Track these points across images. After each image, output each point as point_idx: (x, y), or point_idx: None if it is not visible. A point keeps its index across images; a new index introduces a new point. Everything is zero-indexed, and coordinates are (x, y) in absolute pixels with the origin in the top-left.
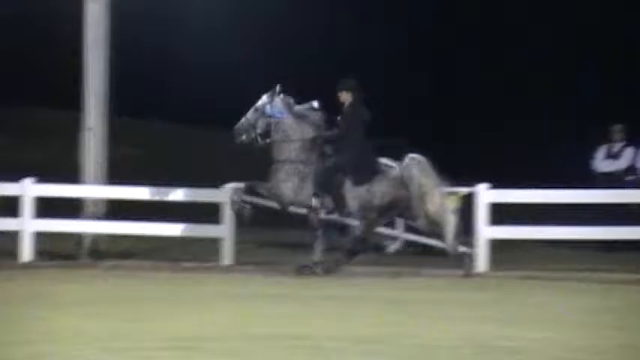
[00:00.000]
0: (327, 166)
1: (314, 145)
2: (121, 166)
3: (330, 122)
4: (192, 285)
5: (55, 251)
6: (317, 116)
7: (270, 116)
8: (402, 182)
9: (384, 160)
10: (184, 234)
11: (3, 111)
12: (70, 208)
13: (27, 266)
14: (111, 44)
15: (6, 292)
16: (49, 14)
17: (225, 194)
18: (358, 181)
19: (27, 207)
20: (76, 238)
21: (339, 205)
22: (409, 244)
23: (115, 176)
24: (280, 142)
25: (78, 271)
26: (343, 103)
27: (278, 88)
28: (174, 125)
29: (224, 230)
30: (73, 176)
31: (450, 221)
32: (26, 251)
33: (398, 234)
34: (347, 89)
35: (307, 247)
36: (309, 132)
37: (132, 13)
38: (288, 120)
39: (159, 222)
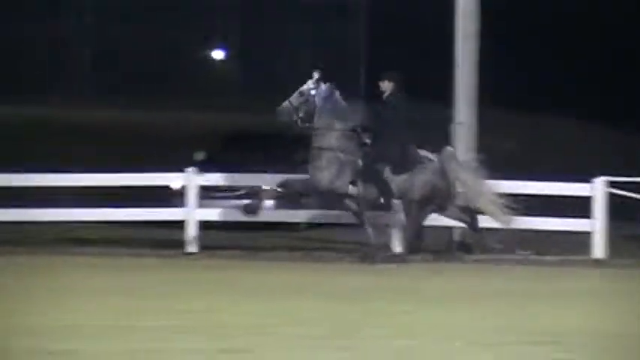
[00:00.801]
0: (367, 155)
1: (354, 133)
2: (492, 159)
3: (370, 111)
4: (559, 280)
5: (425, 246)
6: (356, 105)
7: (313, 101)
8: (442, 172)
9: (422, 152)
10: (552, 227)
11: None
12: None
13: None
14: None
15: (375, 285)
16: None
17: (594, 188)
18: (398, 171)
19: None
20: (445, 232)
21: (382, 194)
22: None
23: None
24: (322, 128)
25: (446, 265)
26: (384, 92)
27: (319, 74)
28: (541, 117)
29: (595, 224)
30: None
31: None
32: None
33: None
34: (389, 79)
35: None
36: (350, 120)
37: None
38: (330, 107)
39: (533, 216)
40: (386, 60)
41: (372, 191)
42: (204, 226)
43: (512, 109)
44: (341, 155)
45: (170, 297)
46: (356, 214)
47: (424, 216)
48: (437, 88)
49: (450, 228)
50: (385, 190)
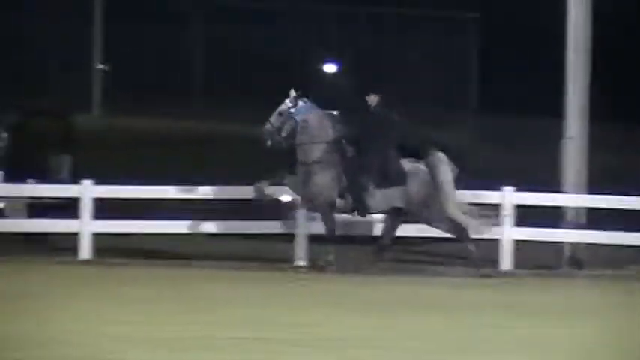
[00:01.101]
0: (352, 167)
1: (338, 145)
2: (601, 174)
3: (355, 123)
4: None
5: (535, 260)
6: (338, 117)
7: (295, 119)
8: (429, 182)
9: (408, 161)
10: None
11: (493, 121)
12: (546, 215)
13: (508, 274)
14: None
15: (480, 299)
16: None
17: None
18: (383, 183)
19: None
20: (555, 247)
21: (361, 205)
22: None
23: (595, 184)
24: (307, 143)
25: (557, 280)
26: (370, 105)
27: (296, 92)
28: None
29: None
30: (550, 184)
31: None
32: (506, 260)
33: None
34: (375, 92)
35: None
36: (332, 133)
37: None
38: (312, 122)
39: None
40: (498, 73)
41: (350, 203)
42: (313, 239)
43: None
44: (326, 167)
45: (283, 309)
46: (330, 230)
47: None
48: (549, 102)
49: (559, 243)
50: (362, 203)
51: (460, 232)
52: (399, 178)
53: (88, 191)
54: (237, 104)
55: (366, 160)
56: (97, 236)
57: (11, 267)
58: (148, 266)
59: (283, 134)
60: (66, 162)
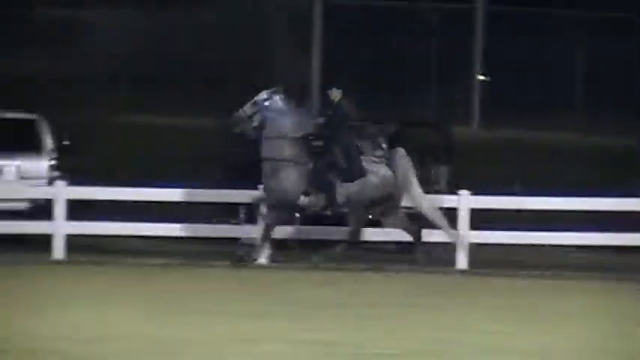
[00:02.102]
0: (319, 163)
1: (305, 143)
2: None
3: (320, 119)
4: None
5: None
6: (306, 114)
7: (266, 112)
8: (392, 177)
9: (370, 156)
10: None
11: None
12: None
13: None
14: None
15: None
16: None
17: None
18: (348, 178)
19: None
20: None
21: (331, 201)
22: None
23: None
24: (274, 138)
25: None
26: (333, 101)
27: (279, 87)
28: None
29: None
30: None
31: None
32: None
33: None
34: (337, 87)
35: None
36: (301, 130)
37: None
38: (284, 118)
39: None
40: None
41: (321, 200)
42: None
43: None
44: (292, 165)
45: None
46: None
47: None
48: None
49: None
50: (332, 199)
51: (415, 233)
52: (360, 174)
53: (464, 201)
54: (617, 117)
55: (332, 156)
56: (477, 246)
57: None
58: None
59: (254, 124)
60: (444, 173)
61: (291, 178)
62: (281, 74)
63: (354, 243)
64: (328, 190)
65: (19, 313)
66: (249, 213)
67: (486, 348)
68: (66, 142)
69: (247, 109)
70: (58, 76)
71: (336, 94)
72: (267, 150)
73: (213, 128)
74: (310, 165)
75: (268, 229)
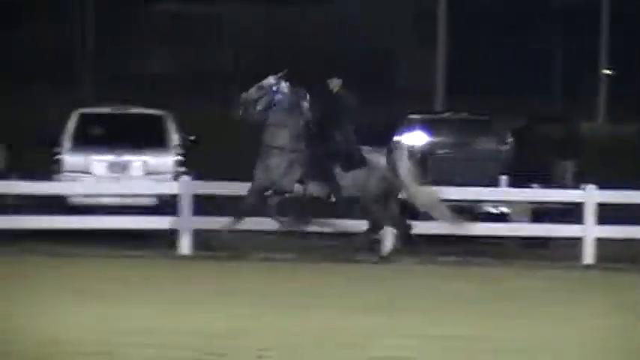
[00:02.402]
0: (317, 152)
1: (305, 132)
2: None
3: (318, 109)
4: None
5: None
6: (307, 104)
7: (272, 97)
8: (392, 168)
9: (369, 148)
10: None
11: None
12: None
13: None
14: None
15: None
16: None
17: None
18: (349, 167)
19: None
20: None
21: (333, 191)
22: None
23: None
24: (276, 125)
25: None
26: (332, 90)
27: (285, 72)
28: None
29: None
30: None
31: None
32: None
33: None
34: (337, 76)
35: None
36: (302, 119)
37: None
38: (287, 106)
39: None
40: None
41: (323, 189)
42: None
43: None
44: (291, 153)
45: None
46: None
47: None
48: None
49: None
50: (335, 187)
51: (404, 229)
52: (361, 163)
53: (591, 196)
54: None
55: (331, 145)
56: (600, 241)
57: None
58: None
59: (258, 107)
60: (570, 167)
61: (281, 166)
62: (405, 72)
63: (375, 232)
64: (328, 178)
65: (157, 310)
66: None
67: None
68: (192, 138)
69: (253, 92)
70: (186, 73)
71: (335, 84)
72: (266, 137)
73: None
74: (308, 153)
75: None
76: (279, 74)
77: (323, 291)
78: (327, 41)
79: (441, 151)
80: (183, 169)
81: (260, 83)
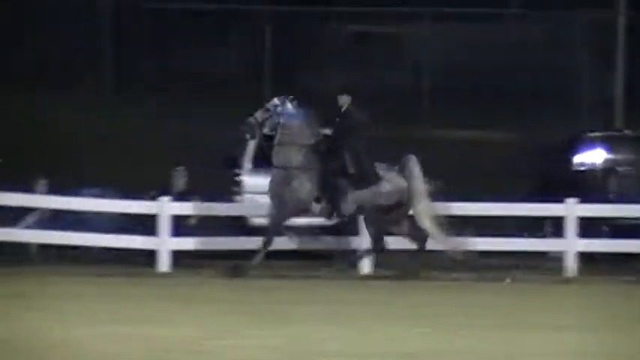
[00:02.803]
0: (328, 170)
1: (316, 149)
2: None
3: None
4: None
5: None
6: (317, 121)
7: (278, 119)
8: (404, 184)
9: (381, 165)
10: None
11: None
12: None
13: None
14: None
15: None
16: None
17: None
18: (360, 185)
19: None
20: None
21: (339, 208)
22: None
23: None
24: (283, 145)
25: None
26: (341, 107)
27: (291, 96)
28: None
29: None
30: None
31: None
32: None
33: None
34: (345, 92)
35: None
36: (312, 137)
37: None
38: (296, 124)
39: None
40: None
41: (335, 206)
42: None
43: None
44: (302, 172)
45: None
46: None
47: (388, 226)
48: None
49: None
50: (337, 206)
51: (420, 241)
52: (375, 180)
53: None
54: None
55: (341, 163)
56: None
57: None
58: None
59: (265, 130)
60: None
61: (304, 186)
62: (584, 89)
63: (378, 252)
64: (335, 197)
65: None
66: (554, 226)
67: None
68: None
69: (259, 115)
70: (365, 92)
71: (344, 101)
72: (277, 157)
73: (514, 141)
74: (319, 171)
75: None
76: (284, 97)
77: (497, 311)
78: (507, 58)
79: (621, 168)
80: None
81: (266, 105)
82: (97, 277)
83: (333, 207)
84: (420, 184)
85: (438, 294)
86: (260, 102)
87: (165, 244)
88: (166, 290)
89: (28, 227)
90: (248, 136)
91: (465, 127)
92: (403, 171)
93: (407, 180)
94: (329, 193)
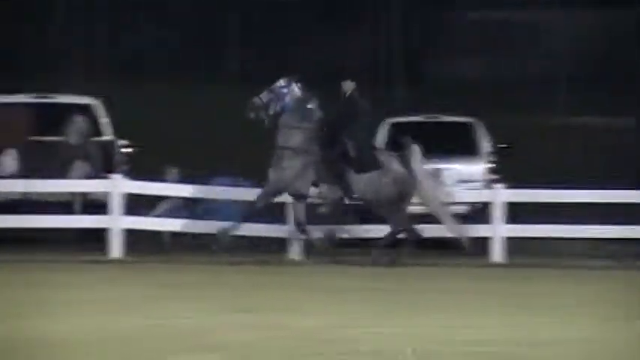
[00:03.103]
0: (330, 155)
1: (318, 134)
2: None
3: (331, 111)
4: None
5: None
6: (318, 106)
7: (283, 100)
8: (407, 171)
9: (384, 152)
10: None
11: None
12: None
13: None
14: None
15: None
16: None
17: None
18: (361, 169)
19: None
20: None
21: (346, 193)
22: None
23: None
24: (286, 127)
25: None
26: (345, 93)
27: (296, 76)
28: None
29: None
30: None
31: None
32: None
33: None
34: (350, 78)
35: None
36: (313, 122)
37: None
38: (298, 108)
39: None
40: None
41: (336, 191)
42: None
43: None
44: (304, 156)
45: None
46: (298, 224)
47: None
48: None
49: None
50: (347, 189)
51: (411, 230)
52: (374, 166)
53: None
54: None
55: (343, 147)
56: None
57: None
58: None
59: (270, 112)
60: None
61: (293, 168)
62: None
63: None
64: (340, 180)
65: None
66: None
67: None
68: (503, 145)
69: (264, 96)
70: (496, 79)
71: (348, 87)
72: (280, 139)
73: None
74: (320, 156)
75: None
76: (290, 77)
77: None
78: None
79: None
80: (494, 176)
81: (271, 86)
82: (228, 266)
83: (341, 190)
84: (422, 170)
85: (570, 283)
86: (390, 87)
87: (295, 233)
88: (304, 278)
89: (160, 216)
90: (252, 116)
91: (599, 114)
92: (404, 158)
93: (409, 166)
94: (331, 178)
